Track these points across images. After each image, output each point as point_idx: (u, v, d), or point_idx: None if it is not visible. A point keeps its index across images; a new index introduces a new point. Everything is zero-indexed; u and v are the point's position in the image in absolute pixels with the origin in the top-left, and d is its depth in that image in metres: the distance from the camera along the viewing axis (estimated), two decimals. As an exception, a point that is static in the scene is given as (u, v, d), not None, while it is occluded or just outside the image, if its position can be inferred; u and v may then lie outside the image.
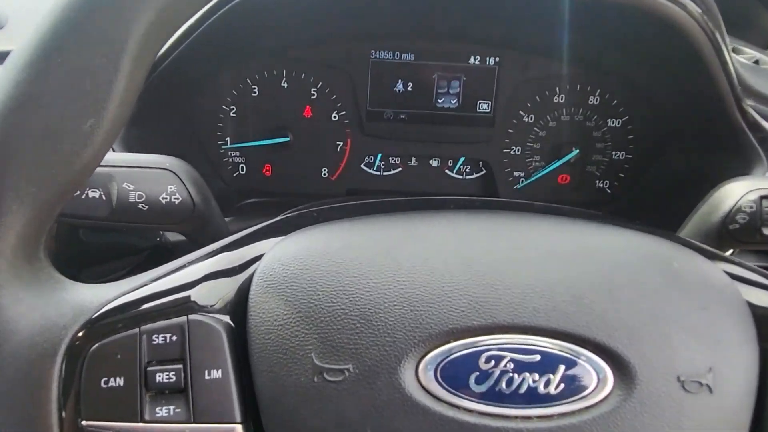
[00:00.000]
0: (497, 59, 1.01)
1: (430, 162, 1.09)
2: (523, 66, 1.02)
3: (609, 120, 1.04)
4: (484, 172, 1.10)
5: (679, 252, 0.40)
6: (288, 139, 1.03)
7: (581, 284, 0.36)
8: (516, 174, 1.09)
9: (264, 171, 1.08)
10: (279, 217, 0.47)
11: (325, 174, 1.09)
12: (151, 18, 0.31)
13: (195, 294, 0.38)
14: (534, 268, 0.37)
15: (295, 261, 0.38)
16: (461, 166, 1.09)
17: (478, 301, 0.35)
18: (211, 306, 0.37)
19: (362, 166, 1.09)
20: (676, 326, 0.34)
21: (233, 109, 1.04)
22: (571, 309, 0.34)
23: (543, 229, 0.44)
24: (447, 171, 1.09)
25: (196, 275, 0.39)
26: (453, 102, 1.05)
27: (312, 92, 1.03)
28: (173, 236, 0.84)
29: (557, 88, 1.04)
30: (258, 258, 0.39)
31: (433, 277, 0.36)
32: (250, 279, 0.38)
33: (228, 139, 1.05)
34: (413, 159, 1.09)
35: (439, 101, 1.04)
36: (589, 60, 1.05)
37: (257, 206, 1.04)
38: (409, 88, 1.03)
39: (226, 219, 0.73)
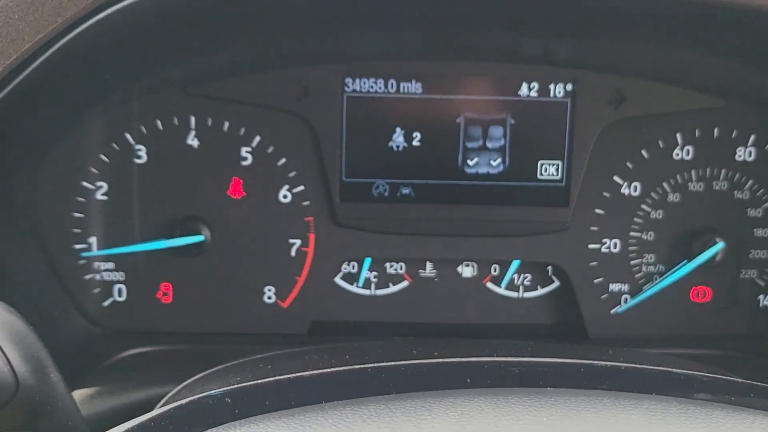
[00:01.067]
0: (570, 86, 0.64)
1: (459, 270, 0.67)
2: (616, 96, 0.63)
3: (776, 188, 0.66)
4: (556, 284, 0.60)
5: None
6: (202, 238, 0.63)
7: None
8: (614, 288, 0.66)
9: (159, 296, 0.65)
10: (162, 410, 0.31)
11: (270, 298, 0.66)
12: None
13: None
14: None
15: None
16: (515, 276, 0.67)
17: None
18: None
19: (337, 279, 0.67)
20: None
21: (101, 186, 0.64)
22: None
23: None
24: (490, 285, 0.68)
25: None
26: (495, 163, 0.65)
27: (243, 153, 0.64)
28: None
29: (679, 135, 0.64)
30: None
31: None
32: None
33: (92, 241, 0.64)
34: (428, 265, 0.66)
35: (470, 163, 0.66)
36: (738, 88, 0.63)
37: (146, 361, 0.63)
38: (415, 142, 0.64)
39: (88, 391, 0.50)
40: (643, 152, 0.64)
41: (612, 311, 0.65)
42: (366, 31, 0.60)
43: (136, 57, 0.58)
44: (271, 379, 0.33)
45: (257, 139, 0.63)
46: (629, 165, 0.64)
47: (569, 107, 0.63)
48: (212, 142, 0.63)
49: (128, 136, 0.62)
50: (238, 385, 0.33)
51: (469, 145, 0.64)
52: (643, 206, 0.64)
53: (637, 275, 0.65)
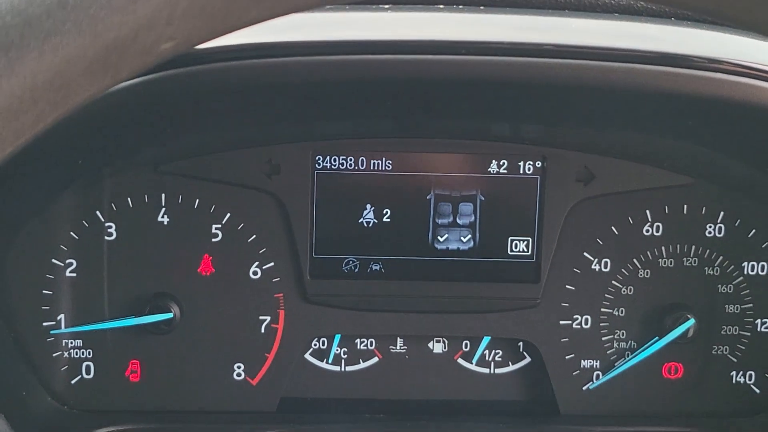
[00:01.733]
0: (539, 163, 0.64)
1: (430, 346, 0.67)
2: (585, 173, 0.63)
3: (746, 263, 0.64)
4: (527, 360, 0.60)
5: None
6: (171, 315, 0.63)
7: None
8: (585, 364, 0.66)
9: (128, 374, 0.65)
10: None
11: (239, 375, 0.66)
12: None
13: None
14: None
15: None
16: (486, 352, 0.67)
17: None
18: None
19: (307, 356, 0.67)
20: None
21: (71, 263, 0.64)
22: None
23: None
24: (461, 361, 0.68)
25: None
26: (465, 239, 0.65)
27: (213, 230, 0.64)
28: None
29: (648, 212, 0.64)
30: None
31: None
32: None
33: (61, 318, 0.64)
34: (399, 342, 0.66)
35: (440, 239, 0.66)
36: (705, 168, 0.63)
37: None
38: (385, 218, 0.64)
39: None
40: (613, 228, 0.64)
41: (584, 387, 0.64)
42: (337, 116, 0.61)
43: (110, 141, 0.59)
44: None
45: (228, 216, 0.63)
46: (599, 241, 0.64)
47: (539, 184, 0.63)
48: (183, 219, 0.63)
49: (98, 213, 0.62)
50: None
51: (439, 221, 0.64)
52: (614, 282, 0.64)
53: (608, 351, 0.64)
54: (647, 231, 0.63)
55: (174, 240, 0.63)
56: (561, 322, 0.64)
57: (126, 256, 0.63)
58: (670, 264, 0.63)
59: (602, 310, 0.64)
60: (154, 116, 0.55)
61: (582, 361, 0.64)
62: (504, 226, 0.64)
